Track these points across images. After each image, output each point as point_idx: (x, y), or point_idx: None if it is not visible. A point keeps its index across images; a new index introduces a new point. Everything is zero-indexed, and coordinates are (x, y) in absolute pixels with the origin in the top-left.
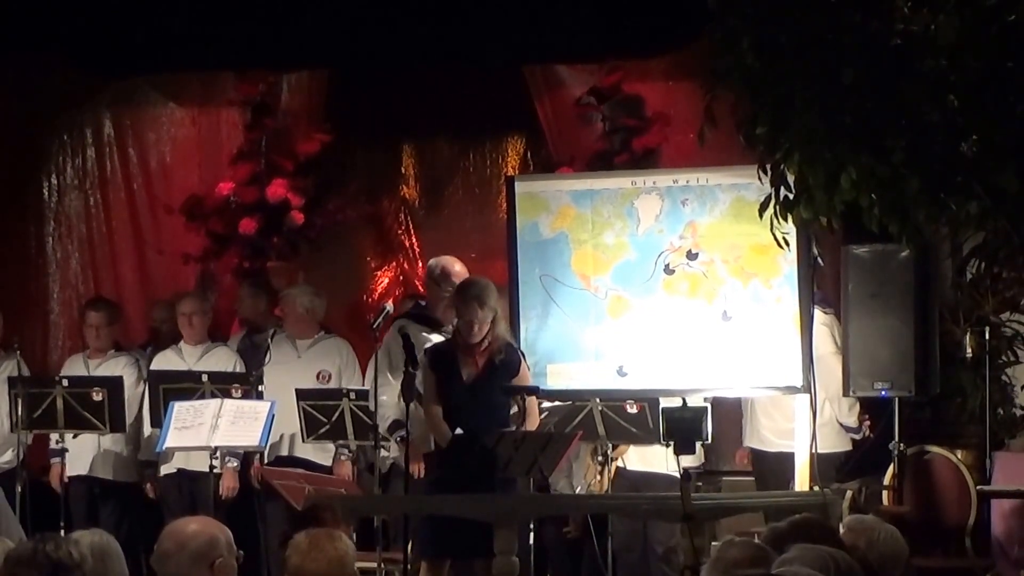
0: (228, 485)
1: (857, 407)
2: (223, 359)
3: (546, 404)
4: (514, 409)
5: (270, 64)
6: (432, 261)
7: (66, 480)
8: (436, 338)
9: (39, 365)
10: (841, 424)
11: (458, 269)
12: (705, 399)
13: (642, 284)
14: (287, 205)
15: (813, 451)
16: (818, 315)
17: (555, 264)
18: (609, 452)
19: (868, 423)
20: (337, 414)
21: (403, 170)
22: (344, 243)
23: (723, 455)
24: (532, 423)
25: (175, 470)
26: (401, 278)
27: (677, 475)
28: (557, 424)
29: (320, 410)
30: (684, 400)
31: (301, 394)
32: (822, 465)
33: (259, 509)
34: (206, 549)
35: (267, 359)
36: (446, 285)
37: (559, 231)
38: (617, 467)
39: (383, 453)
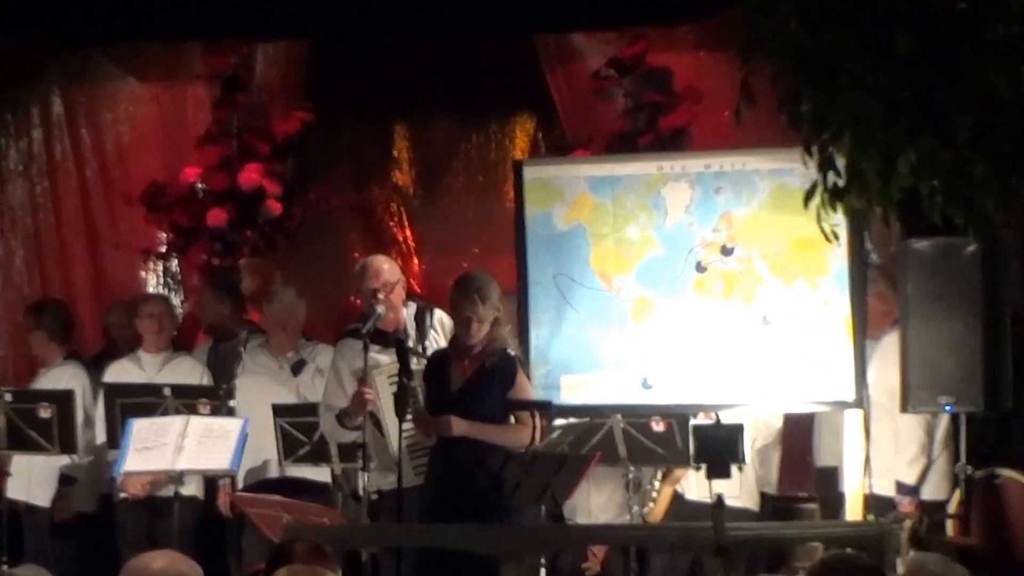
0: (224, 503)
1: (920, 465)
2: (188, 370)
3: (560, 421)
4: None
5: (242, 33)
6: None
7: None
8: (384, 359)
9: None
10: (897, 483)
11: (387, 268)
12: (742, 415)
13: (670, 284)
14: (262, 193)
15: (867, 474)
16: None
17: (570, 261)
18: (636, 475)
19: (915, 505)
20: (319, 433)
21: (395, 153)
22: (328, 237)
23: (797, 478)
24: (525, 439)
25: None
26: None
27: (750, 507)
28: (572, 444)
29: (300, 428)
30: (717, 417)
31: (278, 410)
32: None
33: (232, 541)
34: None
35: (239, 369)
36: (364, 284)
37: (575, 223)
38: (674, 493)
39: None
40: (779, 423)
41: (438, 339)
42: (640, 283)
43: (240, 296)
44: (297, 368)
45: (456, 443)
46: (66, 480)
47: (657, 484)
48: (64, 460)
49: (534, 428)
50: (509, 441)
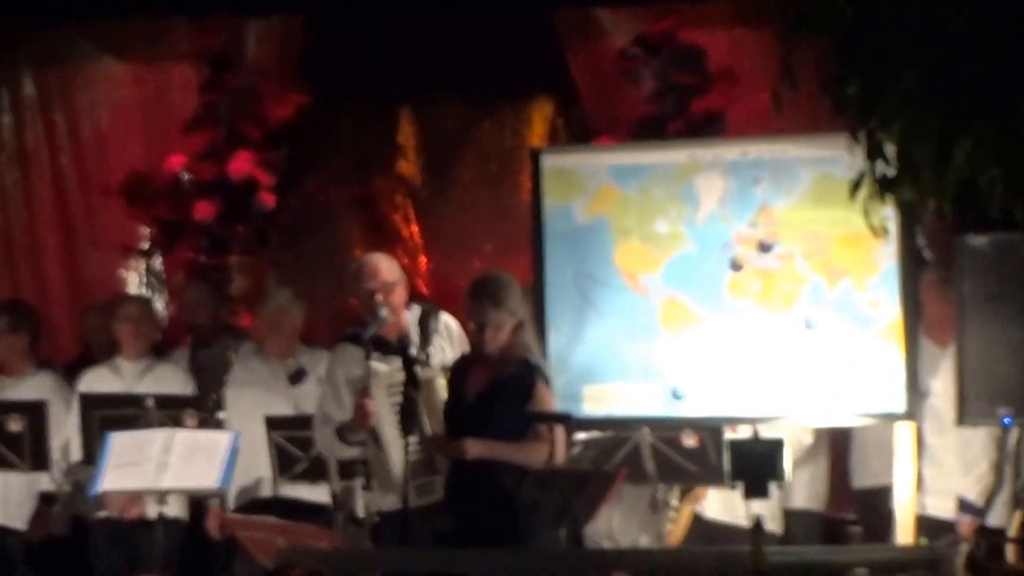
0: (214, 525)
1: (989, 484)
2: (171, 379)
3: (581, 435)
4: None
5: (232, 8)
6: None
7: None
8: (382, 368)
9: None
10: (960, 499)
11: (385, 266)
12: (782, 429)
13: (702, 284)
14: (254, 185)
15: (919, 494)
16: None
17: (593, 259)
18: (667, 497)
19: (975, 527)
20: (317, 448)
21: (400, 141)
22: (327, 233)
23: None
24: (536, 456)
25: (108, 516)
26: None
27: (775, 530)
28: (595, 460)
29: (296, 443)
30: (755, 430)
31: (272, 423)
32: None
33: (220, 567)
34: None
35: (229, 378)
36: (360, 285)
37: (597, 217)
38: (694, 513)
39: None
40: (809, 438)
41: (444, 346)
42: (669, 283)
43: (225, 295)
44: (297, 377)
45: (469, 463)
46: (48, 499)
47: (675, 502)
48: (44, 479)
49: (552, 443)
50: (526, 459)
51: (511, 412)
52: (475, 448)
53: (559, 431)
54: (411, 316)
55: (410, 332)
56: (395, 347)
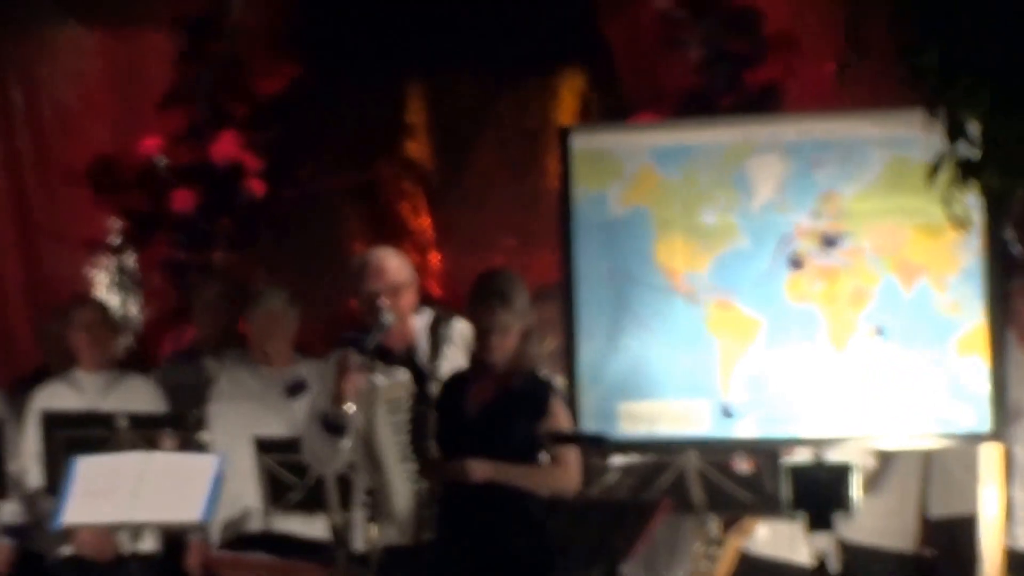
0: (195, 563)
1: None
2: (139, 394)
3: (618, 460)
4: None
5: None
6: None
7: None
8: (381, 380)
9: None
10: None
11: (393, 265)
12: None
13: (757, 283)
14: (240, 170)
15: (1006, 523)
16: None
17: (630, 255)
18: (709, 527)
19: None
20: (316, 475)
21: (409, 120)
22: (324, 226)
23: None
24: (565, 483)
25: (74, 555)
26: None
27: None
28: (634, 488)
29: (291, 468)
30: (818, 453)
31: (263, 444)
32: None
33: None
34: None
35: (213, 392)
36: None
37: (636, 207)
38: (739, 550)
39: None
40: (872, 461)
41: (458, 357)
42: (718, 282)
43: (237, 299)
44: (295, 390)
45: (477, 488)
46: (13, 532)
47: (717, 535)
48: (9, 509)
49: (570, 467)
50: (542, 484)
51: (520, 431)
52: (481, 470)
53: (571, 453)
54: (420, 322)
55: (418, 340)
56: (401, 358)
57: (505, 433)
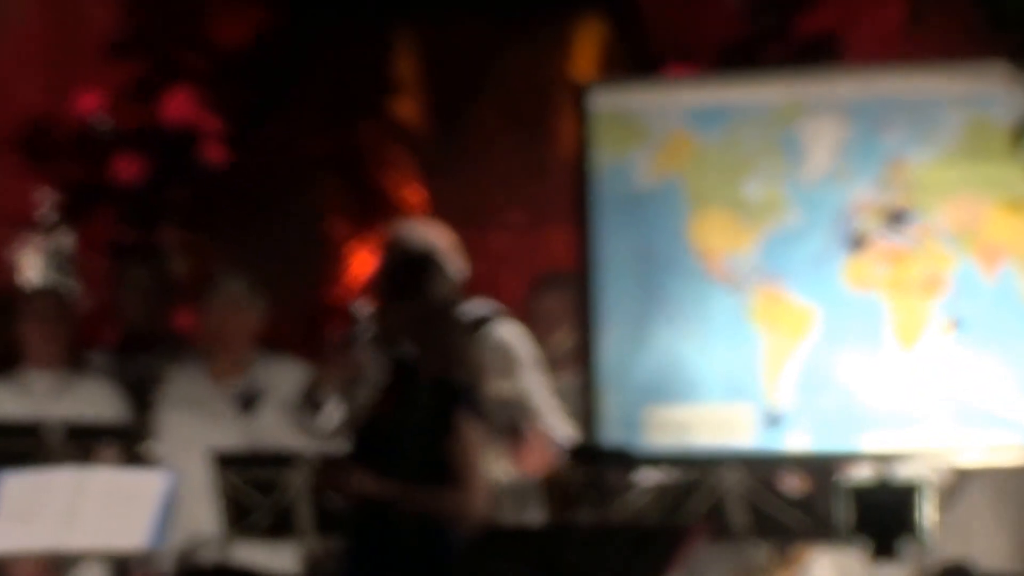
0: None
1: None
2: (94, 397)
3: (644, 477)
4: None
5: None
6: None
7: None
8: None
9: None
10: None
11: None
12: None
13: (811, 266)
14: (196, 134)
15: None
16: None
17: (660, 234)
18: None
19: None
20: (285, 494)
21: (398, 74)
22: (297, 199)
23: None
24: (463, 509)
25: None
26: None
27: None
28: (664, 511)
29: (254, 485)
30: (883, 470)
31: (223, 459)
32: None
33: None
34: None
35: (162, 398)
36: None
37: (667, 177)
38: None
39: None
40: (950, 476)
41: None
42: (764, 266)
43: (172, 283)
44: (248, 401)
45: (373, 503)
46: None
47: (759, 565)
48: None
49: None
50: (437, 510)
51: (412, 446)
52: (365, 484)
53: (476, 475)
54: None
55: None
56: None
57: (395, 448)
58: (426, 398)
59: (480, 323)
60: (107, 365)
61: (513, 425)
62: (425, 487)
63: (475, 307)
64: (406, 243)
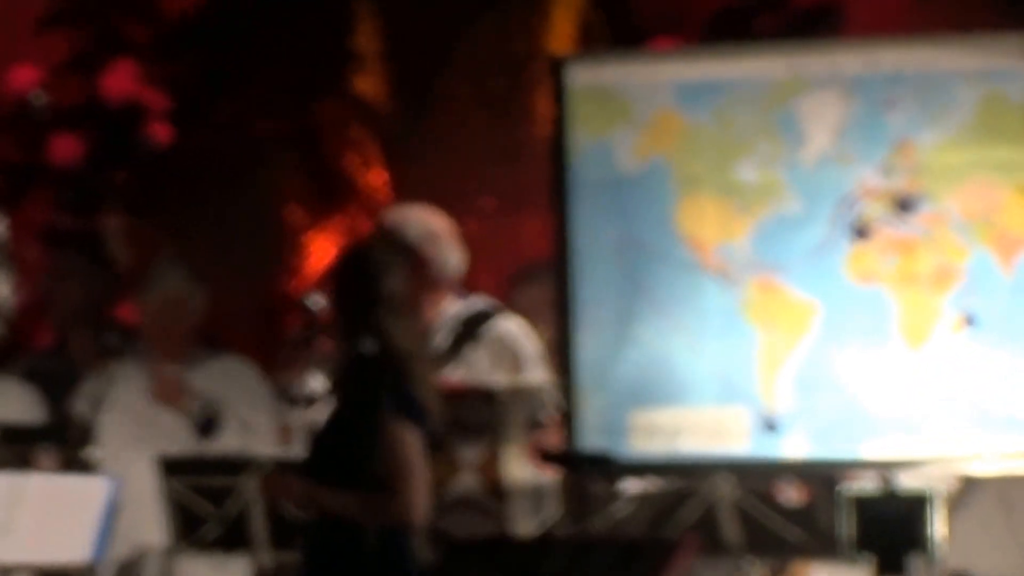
0: None
1: None
2: (14, 399)
3: (629, 486)
4: None
5: None
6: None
7: None
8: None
9: None
10: None
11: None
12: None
13: (810, 258)
14: (140, 111)
15: None
16: None
17: (645, 221)
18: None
19: None
20: (237, 504)
21: (359, 47)
22: (249, 182)
23: None
24: (397, 515)
25: None
26: None
27: None
28: (651, 523)
29: (206, 494)
30: (888, 478)
31: (172, 464)
32: None
33: None
34: None
35: (105, 399)
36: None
37: (653, 159)
38: None
39: None
40: (957, 484)
41: (482, 362)
42: (760, 256)
43: (113, 273)
44: (207, 428)
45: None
46: None
47: None
48: None
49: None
50: (367, 517)
51: (344, 454)
52: (293, 490)
53: (409, 481)
54: (451, 311)
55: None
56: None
57: (342, 451)
58: (372, 397)
59: (481, 318)
60: (39, 364)
61: (533, 419)
62: (360, 494)
63: (473, 302)
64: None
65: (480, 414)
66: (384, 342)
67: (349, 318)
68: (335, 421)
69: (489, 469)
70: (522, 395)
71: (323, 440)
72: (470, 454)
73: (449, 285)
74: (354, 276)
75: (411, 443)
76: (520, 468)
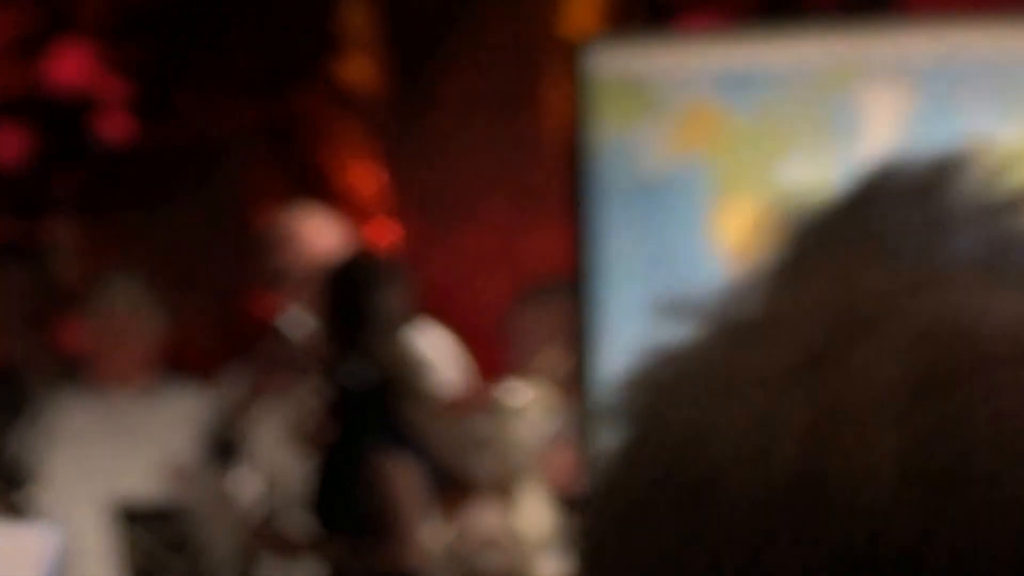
0: None
1: None
2: None
3: None
4: None
5: None
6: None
7: None
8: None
9: None
10: None
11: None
12: None
13: None
14: (93, 101)
15: None
16: None
17: (677, 229)
18: None
19: None
20: (205, 557)
21: (346, 27)
22: (217, 183)
23: None
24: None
25: None
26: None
27: None
28: None
29: (165, 540)
30: None
31: (129, 513)
32: None
33: None
34: None
35: (47, 433)
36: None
37: (686, 158)
38: None
39: None
40: None
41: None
42: None
43: (57, 289)
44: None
45: None
46: None
47: None
48: None
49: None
50: (354, 565)
51: (341, 500)
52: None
53: (411, 526)
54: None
55: None
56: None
57: (333, 492)
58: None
59: None
60: None
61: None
62: (351, 540)
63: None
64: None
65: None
66: (376, 365)
67: (335, 338)
68: (324, 459)
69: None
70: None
71: (312, 482)
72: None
73: None
74: (342, 291)
75: (406, 480)
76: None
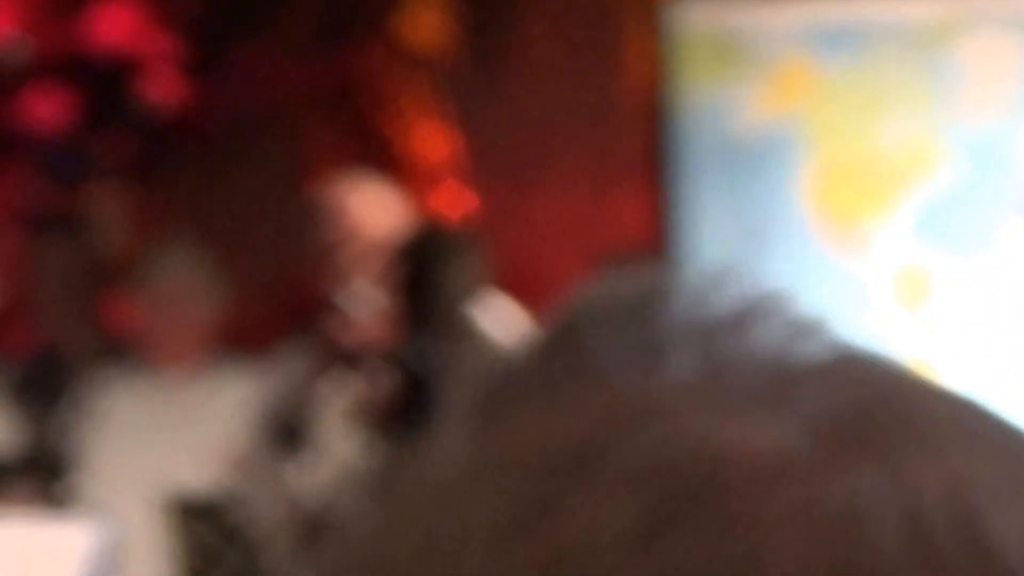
0: None
1: None
2: None
3: None
4: None
5: None
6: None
7: None
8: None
9: None
10: None
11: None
12: None
13: (976, 238)
14: (140, 61)
15: None
16: None
17: (769, 194)
18: None
19: None
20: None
21: None
22: (275, 149)
23: None
24: None
25: None
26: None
27: None
28: None
29: (223, 535)
30: None
31: (180, 503)
32: None
33: None
34: None
35: (97, 420)
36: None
37: (779, 118)
38: None
39: None
40: None
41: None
42: (914, 236)
43: (104, 264)
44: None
45: None
46: None
47: None
48: None
49: None
50: None
51: None
52: None
53: None
54: None
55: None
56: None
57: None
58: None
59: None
60: (18, 376)
61: None
62: None
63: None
64: None
65: None
66: (447, 344)
67: (404, 316)
68: (390, 445)
69: None
70: None
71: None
72: None
73: None
74: (412, 265)
75: None
76: None
